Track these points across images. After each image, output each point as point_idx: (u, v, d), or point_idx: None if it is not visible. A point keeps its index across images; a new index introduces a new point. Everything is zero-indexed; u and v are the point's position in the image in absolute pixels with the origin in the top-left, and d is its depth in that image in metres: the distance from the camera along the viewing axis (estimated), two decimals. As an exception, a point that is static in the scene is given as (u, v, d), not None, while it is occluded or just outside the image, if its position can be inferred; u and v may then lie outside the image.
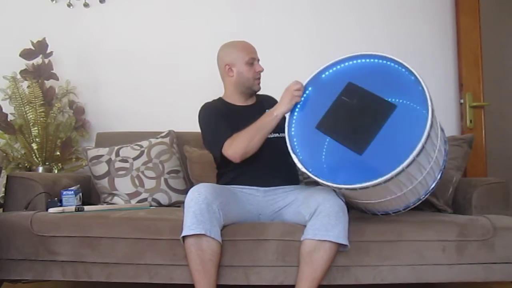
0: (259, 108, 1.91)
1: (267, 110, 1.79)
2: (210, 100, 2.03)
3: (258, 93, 2.02)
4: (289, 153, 1.58)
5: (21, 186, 1.94)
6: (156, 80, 2.80)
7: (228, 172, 1.88)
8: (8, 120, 2.48)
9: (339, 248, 1.58)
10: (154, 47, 2.82)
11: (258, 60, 1.95)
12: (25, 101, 2.49)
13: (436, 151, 1.48)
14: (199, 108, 1.98)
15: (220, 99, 2.01)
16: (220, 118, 1.86)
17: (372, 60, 1.58)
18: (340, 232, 1.52)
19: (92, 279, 1.74)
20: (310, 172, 1.50)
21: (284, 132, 1.65)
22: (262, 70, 1.93)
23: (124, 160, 2.25)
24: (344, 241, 1.54)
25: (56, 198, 1.94)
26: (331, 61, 1.67)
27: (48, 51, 2.58)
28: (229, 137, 1.76)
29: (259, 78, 1.94)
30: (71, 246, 1.73)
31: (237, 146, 1.71)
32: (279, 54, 2.83)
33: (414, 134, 1.39)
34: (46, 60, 2.58)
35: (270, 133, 1.76)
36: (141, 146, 2.32)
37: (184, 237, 1.55)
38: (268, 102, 1.97)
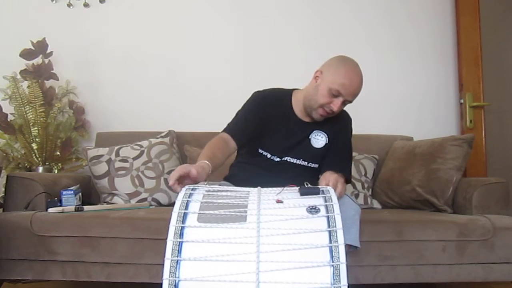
0: (310, 128, 1.70)
1: (317, 132, 1.70)
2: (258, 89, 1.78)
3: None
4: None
5: (21, 186, 1.94)
6: (156, 80, 2.80)
7: (233, 166, 1.80)
8: (8, 120, 2.48)
9: (349, 249, 1.56)
10: (154, 47, 2.82)
11: (347, 102, 1.61)
12: (25, 101, 2.49)
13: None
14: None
15: (287, 96, 1.75)
16: (249, 115, 1.67)
17: None
18: (355, 235, 1.50)
19: (92, 279, 1.74)
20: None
21: (302, 160, 1.66)
22: (336, 111, 1.60)
23: (124, 160, 2.25)
24: (358, 243, 1.52)
25: (56, 198, 1.94)
26: None
27: (48, 51, 2.58)
28: (227, 132, 1.63)
29: (327, 112, 1.61)
30: (71, 246, 1.73)
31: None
32: (279, 54, 2.83)
33: None
34: (46, 60, 2.58)
35: (283, 157, 1.67)
36: (141, 146, 2.32)
37: None
38: (330, 120, 1.69)
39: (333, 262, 0.98)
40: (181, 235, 1.02)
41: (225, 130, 1.68)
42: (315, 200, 1.12)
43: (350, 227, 1.48)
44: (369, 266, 1.74)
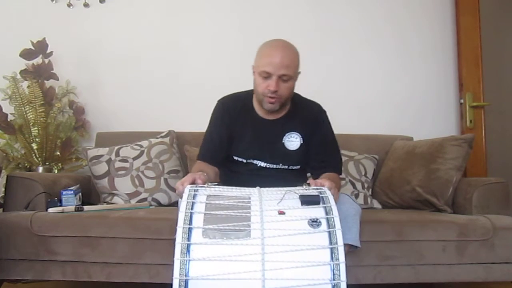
0: (278, 127, 1.67)
1: (290, 134, 1.67)
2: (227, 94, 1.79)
3: (305, 98, 1.73)
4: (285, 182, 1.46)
5: (21, 186, 1.94)
6: (156, 80, 2.80)
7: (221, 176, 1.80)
8: (8, 120, 2.48)
9: (349, 249, 1.56)
10: (154, 47, 2.82)
11: (285, 77, 1.54)
12: (25, 101, 2.49)
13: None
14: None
15: (248, 96, 1.73)
16: (215, 131, 1.70)
17: None
18: (356, 234, 1.50)
19: (92, 279, 1.74)
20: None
21: (281, 164, 1.65)
22: (274, 90, 1.54)
23: (124, 160, 2.25)
24: (358, 243, 1.52)
25: (56, 198, 1.94)
26: None
27: (48, 51, 2.58)
28: (202, 160, 1.68)
29: (271, 98, 1.56)
30: (71, 246, 1.73)
31: None
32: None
33: None
34: (46, 60, 2.58)
35: (263, 163, 1.67)
36: (141, 146, 2.32)
37: None
38: (302, 119, 1.67)
39: (334, 280, 1.03)
40: (187, 252, 1.04)
41: (200, 158, 1.71)
42: (316, 212, 1.13)
43: (351, 227, 1.48)
44: (369, 266, 1.74)
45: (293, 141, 1.67)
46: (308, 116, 1.69)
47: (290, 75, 1.56)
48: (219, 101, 1.76)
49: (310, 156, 1.70)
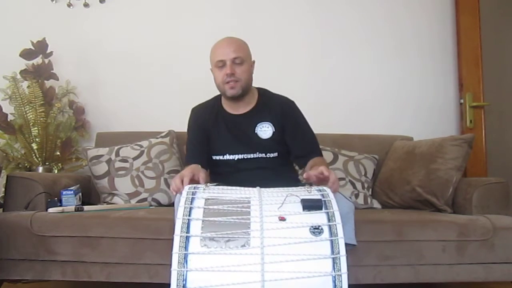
0: (249, 120, 1.74)
1: (262, 124, 1.72)
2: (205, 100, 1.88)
3: (272, 92, 1.82)
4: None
5: (21, 186, 1.94)
6: (156, 80, 2.80)
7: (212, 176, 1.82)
8: (8, 120, 2.48)
9: (346, 247, 1.54)
10: (154, 47, 2.82)
11: (237, 60, 1.66)
12: (25, 101, 2.49)
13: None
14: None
15: (217, 99, 1.84)
16: (194, 136, 1.78)
17: None
18: (350, 233, 1.50)
19: (92, 279, 1.74)
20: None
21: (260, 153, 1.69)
22: (231, 73, 1.65)
23: (124, 160, 2.25)
24: (353, 241, 1.52)
25: (56, 198, 1.94)
26: None
27: (48, 51, 2.58)
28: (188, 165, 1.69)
29: (229, 82, 1.66)
30: (71, 246, 1.73)
31: None
32: (279, 54, 2.83)
33: None
34: (46, 60, 2.58)
35: (241, 155, 1.71)
36: (141, 146, 2.32)
37: None
38: (270, 110, 1.74)
39: None
40: (185, 262, 1.02)
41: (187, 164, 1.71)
42: (318, 218, 1.10)
43: (345, 225, 1.48)
44: (369, 266, 1.74)
45: (265, 130, 1.73)
46: (277, 106, 1.76)
47: (241, 57, 1.67)
48: (191, 110, 1.85)
49: (289, 147, 1.75)
